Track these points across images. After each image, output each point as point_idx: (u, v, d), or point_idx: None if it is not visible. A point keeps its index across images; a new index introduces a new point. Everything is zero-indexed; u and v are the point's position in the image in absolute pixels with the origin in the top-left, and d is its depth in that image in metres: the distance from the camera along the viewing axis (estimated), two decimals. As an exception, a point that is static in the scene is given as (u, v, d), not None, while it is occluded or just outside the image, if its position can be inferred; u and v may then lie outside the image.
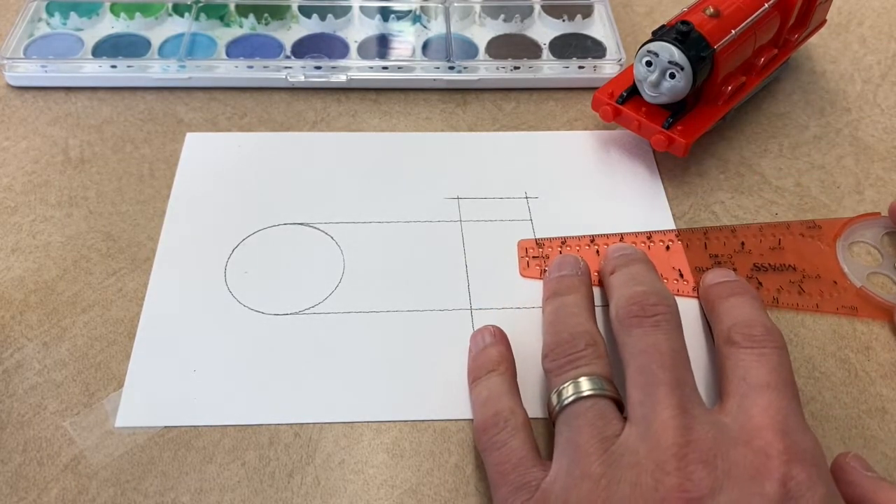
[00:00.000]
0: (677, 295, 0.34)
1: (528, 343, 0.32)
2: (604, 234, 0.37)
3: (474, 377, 0.31)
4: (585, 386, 0.28)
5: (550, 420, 0.28)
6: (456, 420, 0.31)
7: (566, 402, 0.27)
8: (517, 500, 0.26)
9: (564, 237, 0.37)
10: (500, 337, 0.32)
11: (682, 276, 0.36)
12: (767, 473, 0.24)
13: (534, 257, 0.36)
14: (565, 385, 0.28)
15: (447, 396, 0.31)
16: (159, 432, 0.30)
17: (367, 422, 0.31)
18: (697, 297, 0.35)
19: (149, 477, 0.29)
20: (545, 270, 0.35)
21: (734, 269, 0.35)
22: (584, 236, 0.37)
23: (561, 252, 0.36)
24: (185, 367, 0.32)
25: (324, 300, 0.34)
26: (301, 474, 0.29)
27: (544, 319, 0.32)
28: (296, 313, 0.34)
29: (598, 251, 0.36)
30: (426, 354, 0.33)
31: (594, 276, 0.35)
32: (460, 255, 0.36)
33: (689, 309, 0.34)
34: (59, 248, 0.36)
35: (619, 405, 0.28)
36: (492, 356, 0.31)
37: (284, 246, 0.36)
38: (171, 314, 0.34)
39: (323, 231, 0.37)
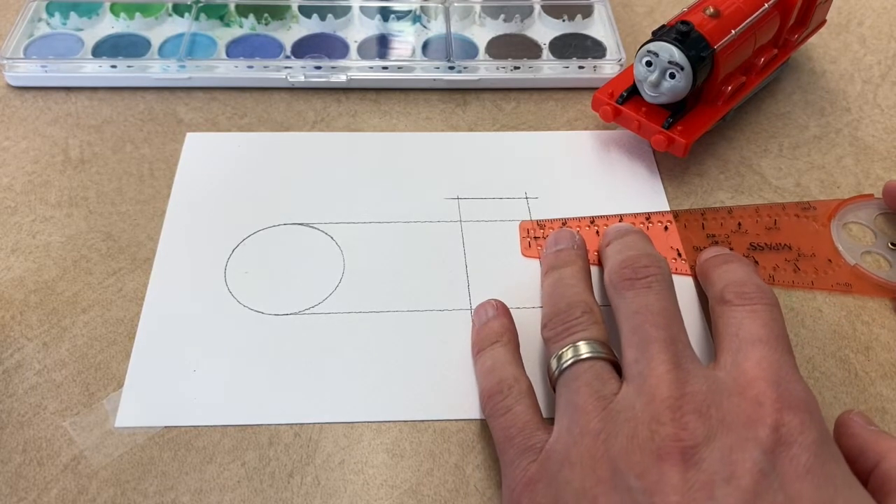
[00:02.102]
0: (675, 274, 0.34)
1: (528, 342, 0.32)
2: (604, 216, 0.38)
3: (478, 349, 0.32)
4: (584, 349, 0.28)
5: (551, 385, 0.29)
6: (456, 420, 0.31)
7: (565, 365, 0.28)
8: (523, 462, 0.27)
9: (565, 218, 0.38)
10: (502, 310, 0.33)
11: (680, 255, 0.36)
12: (760, 420, 0.24)
13: (535, 237, 0.37)
14: (564, 349, 0.29)
15: (447, 396, 0.31)
16: (159, 432, 0.30)
17: (367, 422, 0.31)
18: (694, 276, 0.35)
19: (149, 477, 0.29)
20: None
21: (731, 248, 0.36)
22: (585, 217, 0.38)
23: None
24: (185, 367, 0.32)
25: (324, 300, 0.34)
26: (301, 474, 0.29)
27: (543, 292, 0.33)
28: (296, 313, 0.34)
29: (598, 232, 0.37)
30: (426, 354, 0.33)
31: (593, 255, 0.35)
32: (460, 255, 0.36)
33: (686, 287, 0.34)
34: (59, 248, 0.36)
35: (617, 368, 0.28)
36: (494, 328, 0.32)
37: (284, 246, 0.36)
38: (171, 314, 0.34)
39: (323, 231, 0.37)
